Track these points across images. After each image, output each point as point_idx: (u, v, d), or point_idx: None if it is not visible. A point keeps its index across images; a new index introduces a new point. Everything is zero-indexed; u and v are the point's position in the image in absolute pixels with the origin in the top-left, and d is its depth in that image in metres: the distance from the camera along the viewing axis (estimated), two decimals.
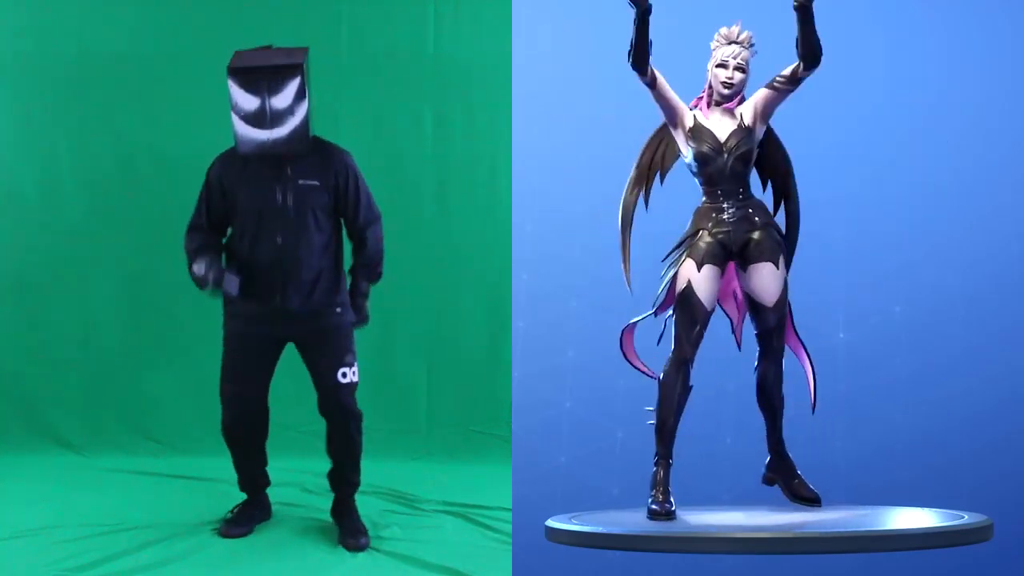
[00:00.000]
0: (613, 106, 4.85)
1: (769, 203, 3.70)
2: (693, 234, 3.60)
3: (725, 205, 3.59)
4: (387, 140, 5.66)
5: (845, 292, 4.60)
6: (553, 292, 4.79)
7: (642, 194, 3.73)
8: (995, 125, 4.69)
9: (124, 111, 5.74)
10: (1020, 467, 4.45)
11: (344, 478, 4.60)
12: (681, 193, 3.70)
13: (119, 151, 5.76)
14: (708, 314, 3.54)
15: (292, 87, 4.14)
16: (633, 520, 3.56)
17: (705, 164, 3.59)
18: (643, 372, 3.63)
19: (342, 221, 4.49)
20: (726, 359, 3.75)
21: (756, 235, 3.58)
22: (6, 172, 5.77)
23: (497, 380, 5.57)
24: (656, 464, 3.59)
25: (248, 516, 4.68)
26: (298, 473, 5.15)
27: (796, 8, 3.40)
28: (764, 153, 3.65)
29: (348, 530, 4.53)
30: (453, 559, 4.31)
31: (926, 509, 3.66)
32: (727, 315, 3.71)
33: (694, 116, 3.62)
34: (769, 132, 3.64)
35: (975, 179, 4.69)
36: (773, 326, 3.58)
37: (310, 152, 4.30)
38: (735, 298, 3.70)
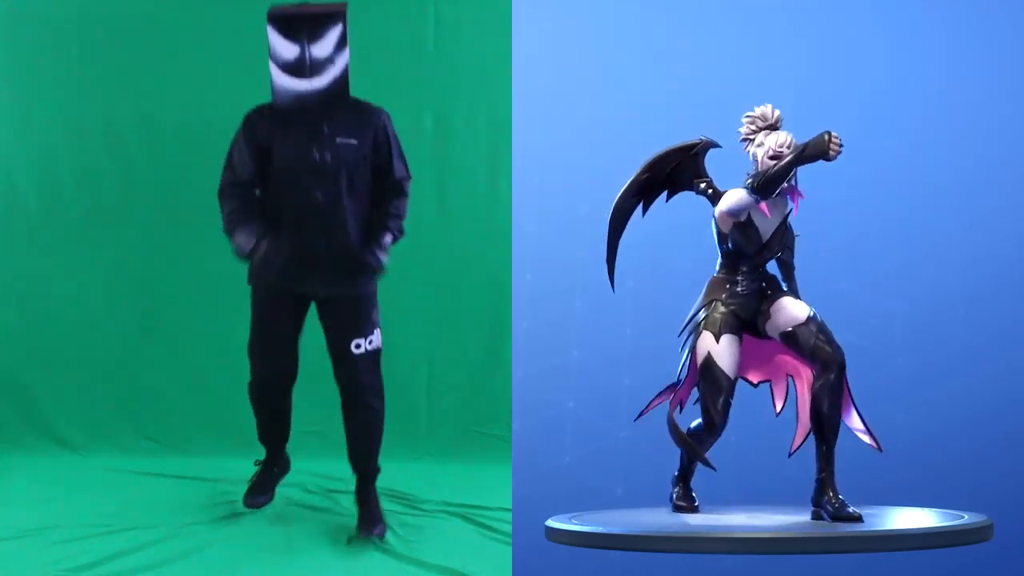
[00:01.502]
0: (613, 106, 4.86)
1: None
2: (707, 304, 3.55)
3: (740, 279, 3.56)
4: None
5: (846, 292, 4.60)
6: (556, 292, 4.80)
7: (641, 204, 3.67)
8: (995, 125, 4.70)
9: (124, 111, 5.74)
10: (1020, 467, 4.46)
11: (358, 459, 4.53)
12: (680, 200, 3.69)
13: (119, 151, 5.76)
14: (733, 383, 3.48)
15: (333, 35, 4.01)
16: (633, 520, 3.56)
17: (739, 254, 3.55)
18: (701, 460, 3.54)
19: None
20: None
21: (768, 303, 3.55)
22: (6, 172, 5.77)
23: (497, 380, 5.57)
24: (675, 483, 3.65)
25: (270, 477, 4.63)
26: (298, 473, 5.14)
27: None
28: None
29: (365, 518, 4.49)
30: (453, 559, 4.31)
31: (926, 509, 3.66)
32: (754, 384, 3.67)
33: (749, 213, 3.49)
34: None
35: (975, 179, 4.70)
36: (815, 337, 3.47)
37: (347, 110, 4.18)
38: (768, 368, 3.65)
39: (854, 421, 3.51)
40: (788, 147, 3.43)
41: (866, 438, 3.50)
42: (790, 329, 3.51)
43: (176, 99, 5.70)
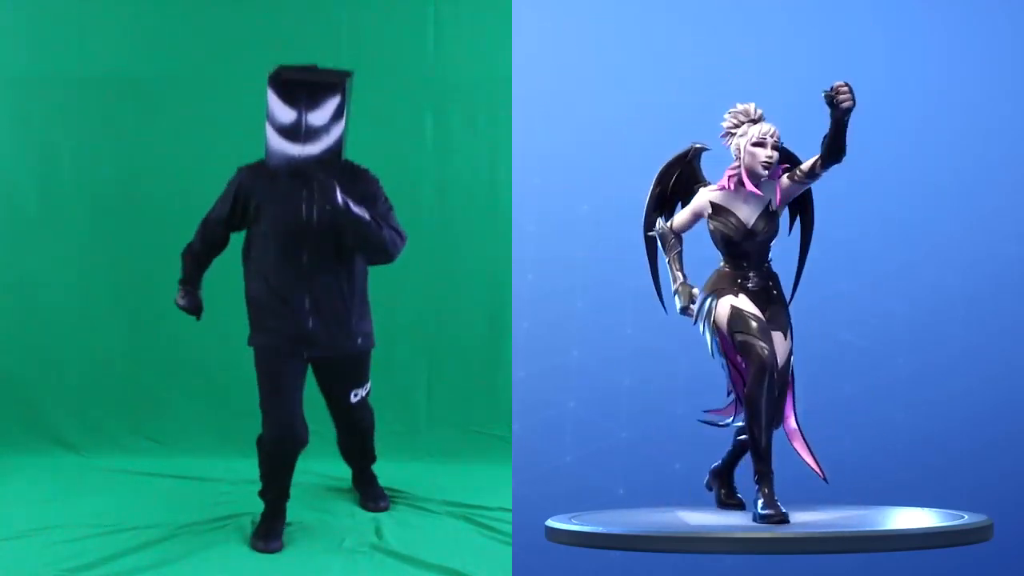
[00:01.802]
0: (613, 106, 4.85)
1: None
2: (716, 291, 3.60)
3: (751, 275, 3.60)
4: (387, 141, 5.66)
5: (846, 292, 4.60)
6: (556, 292, 4.79)
7: (662, 217, 3.75)
8: (995, 125, 4.70)
9: (125, 111, 5.74)
10: (1020, 467, 4.45)
11: (357, 456, 4.87)
12: None
13: (119, 152, 5.76)
14: (762, 318, 3.52)
15: (331, 105, 4.06)
16: (633, 520, 3.56)
17: (729, 244, 3.60)
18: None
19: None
20: None
21: (772, 308, 3.58)
22: (6, 174, 5.77)
23: (497, 380, 5.57)
24: (759, 482, 3.52)
25: (279, 528, 4.54)
26: (297, 472, 5.13)
27: (836, 116, 3.35)
28: None
29: (369, 495, 4.84)
30: (453, 559, 4.31)
31: (926, 509, 3.66)
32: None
33: (711, 202, 3.60)
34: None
35: (975, 179, 4.70)
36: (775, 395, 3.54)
37: (339, 173, 4.22)
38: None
39: (800, 449, 3.58)
40: (772, 136, 3.52)
41: (812, 463, 3.54)
42: None
43: (176, 99, 5.71)
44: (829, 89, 3.35)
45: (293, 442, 4.38)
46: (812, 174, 3.51)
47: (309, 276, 4.29)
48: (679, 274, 3.66)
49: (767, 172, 3.53)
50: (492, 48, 5.47)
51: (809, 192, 3.69)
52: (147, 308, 5.76)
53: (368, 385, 4.63)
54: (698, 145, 3.72)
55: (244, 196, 4.36)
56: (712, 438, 3.81)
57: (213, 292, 5.68)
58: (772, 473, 3.51)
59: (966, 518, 3.41)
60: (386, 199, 4.41)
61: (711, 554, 3.34)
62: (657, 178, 3.74)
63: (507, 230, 5.04)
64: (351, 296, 4.40)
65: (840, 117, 3.35)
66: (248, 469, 4.76)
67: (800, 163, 3.59)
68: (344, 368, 4.53)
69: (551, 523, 3.52)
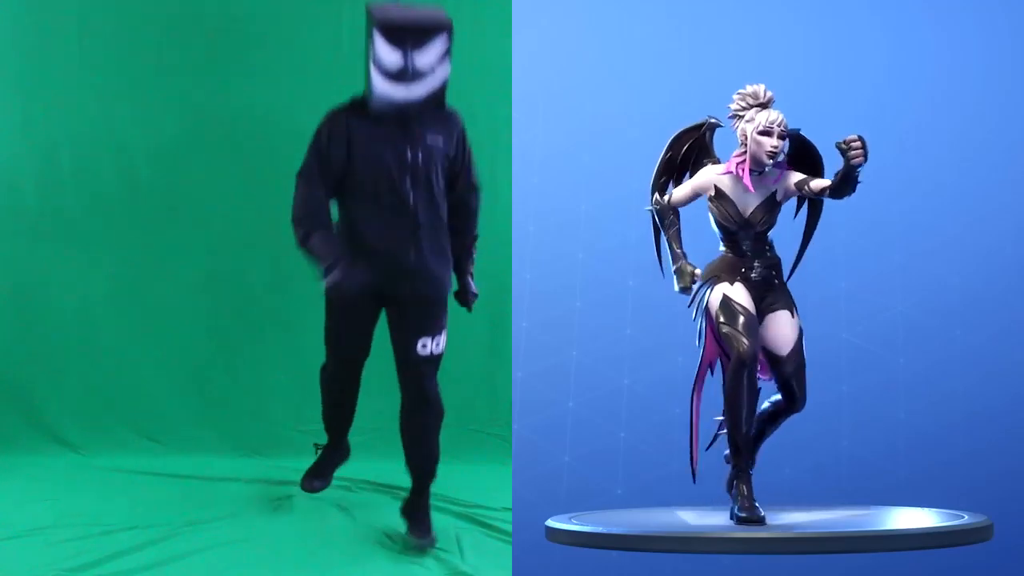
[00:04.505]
0: (613, 106, 4.86)
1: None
2: (716, 277, 3.58)
3: (755, 264, 3.57)
4: None
5: (847, 292, 4.60)
6: (556, 292, 4.80)
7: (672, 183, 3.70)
8: (995, 125, 4.70)
9: (124, 111, 5.73)
10: (1020, 467, 4.46)
11: (416, 458, 4.46)
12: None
13: (119, 151, 5.75)
14: (751, 313, 3.49)
15: (438, 46, 4.01)
16: (633, 520, 3.56)
17: (725, 231, 3.59)
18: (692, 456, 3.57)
19: None
20: None
21: (773, 293, 3.57)
22: (6, 172, 5.77)
23: (497, 380, 5.56)
24: (736, 478, 3.52)
25: (330, 463, 4.65)
26: (298, 473, 5.14)
27: (846, 169, 3.32)
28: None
29: (415, 527, 4.43)
30: (453, 559, 4.31)
31: (926, 509, 3.66)
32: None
33: (715, 185, 3.56)
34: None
35: (975, 179, 4.70)
36: (791, 373, 3.54)
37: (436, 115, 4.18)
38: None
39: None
40: (779, 125, 3.47)
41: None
42: (771, 352, 3.56)
43: (177, 99, 5.70)
44: (842, 142, 3.30)
45: (352, 367, 4.42)
46: (815, 194, 3.49)
47: (412, 214, 4.21)
48: (679, 252, 3.61)
49: (772, 162, 3.49)
50: (492, 48, 5.46)
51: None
52: (147, 308, 5.75)
53: (439, 340, 4.35)
54: (713, 120, 3.67)
55: (347, 136, 4.18)
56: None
57: (214, 291, 5.70)
58: (750, 469, 3.52)
59: (966, 518, 3.41)
60: (468, 140, 4.38)
61: (711, 554, 3.34)
62: (670, 144, 3.68)
63: (507, 230, 5.03)
64: (446, 234, 4.36)
65: (850, 170, 3.33)
66: (248, 468, 4.76)
67: (816, 157, 3.56)
68: (423, 309, 4.32)
69: (551, 523, 3.52)
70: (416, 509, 4.49)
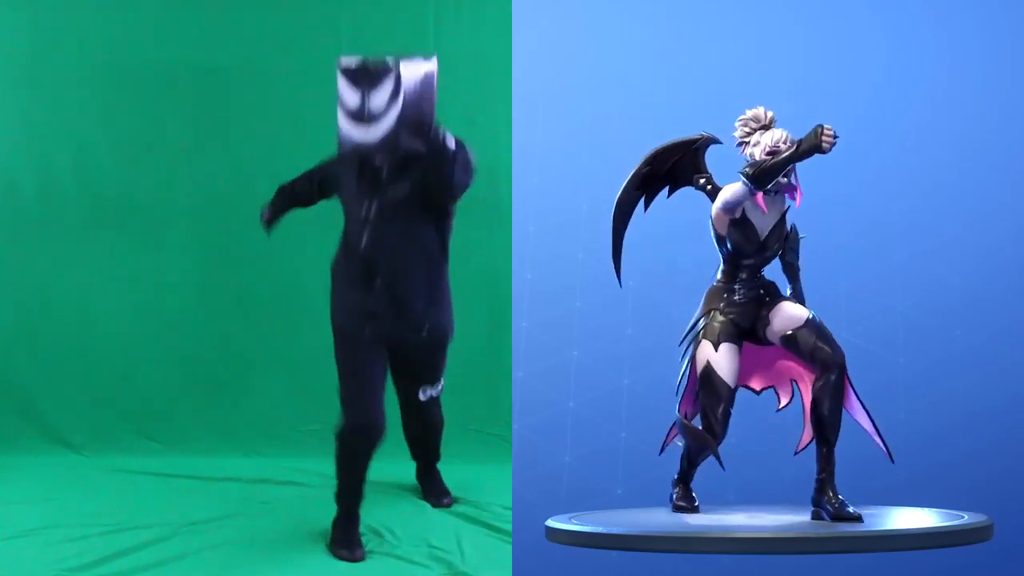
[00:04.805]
0: (613, 106, 4.86)
1: None
2: (706, 314, 3.57)
3: (737, 287, 3.56)
4: None
5: (847, 292, 4.60)
6: (556, 292, 4.80)
7: (643, 199, 3.67)
8: (995, 125, 4.70)
9: (124, 111, 5.74)
10: (1020, 467, 4.46)
11: (421, 454, 4.99)
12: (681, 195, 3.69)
13: (119, 151, 5.76)
14: (732, 392, 3.50)
15: (388, 86, 4.09)
16: (633, 520, 3.56)
17: (739, 254, 3.56)
18: (714, 453, 3.54)
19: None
20: None
21: (766, 306, 3.56)
22: (6, 172, 5.77)
23: (497, 380, 5.56)
24: (676, 484, 3.67)
25: (358, 534, 4.46)
26: (298, 472, 5.15)
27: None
28: None
29: (432, 491, 4.96)
30: (453, 559, 4.31)
31: (926, 509, 3.66)
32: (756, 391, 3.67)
33: (743, 209, 3.49)
34: None
35: (975, 179, 4.70)
36: (814, 339, 3.48)
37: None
38: (772, 373, 3.66)
39: (864, 422, 3.51)
40: (784, 143, 3.43)
41: (877, 440, 3.50)
42: (789, 332, 3.52)
43: (177, 98, 5.70)
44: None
45: (374, 428, 4.40)
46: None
47: (392, 258, 4.31)
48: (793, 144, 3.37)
49: (785, 180, 3.44)
50: (492, 48, 5.47)
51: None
52: (147, 308, 5.76)
53: (438, 386, 4.70)
54: (710, 136, 3.62)
55: (324, 176, 4.53)
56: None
57: (214, 291, 5.71)
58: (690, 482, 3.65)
59: (966, 518, 3.41)
60: (451, 143, 4.31)
61: (711, 554, 3.34)
62: (650, 157, 3.63)
63: (507, 230, 5.04)
64: (435, 279, 4.43)
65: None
66: (248, 468, 4.77)
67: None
68: (420, 359, 4.58)
69: (551, 523, 3.52)
70: (428, 475, 4.99)
